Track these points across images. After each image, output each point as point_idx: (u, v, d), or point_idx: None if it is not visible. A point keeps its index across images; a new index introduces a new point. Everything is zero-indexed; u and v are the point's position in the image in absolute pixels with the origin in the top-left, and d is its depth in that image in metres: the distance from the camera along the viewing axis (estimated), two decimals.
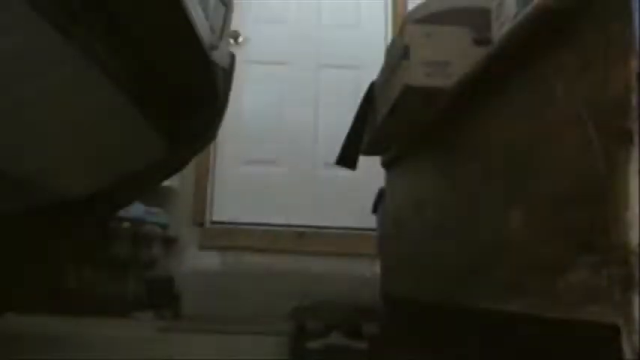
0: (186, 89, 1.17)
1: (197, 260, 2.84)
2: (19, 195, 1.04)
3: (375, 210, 2.19)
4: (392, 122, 1.43)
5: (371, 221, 2.27)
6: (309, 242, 2.87)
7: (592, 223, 0.63)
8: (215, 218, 3.01)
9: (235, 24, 2.28)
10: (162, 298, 2.61)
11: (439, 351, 1.34)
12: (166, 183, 2.40)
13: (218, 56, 1.15)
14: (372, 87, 1.63)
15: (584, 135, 0.66)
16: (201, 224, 2.93)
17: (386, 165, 1.87)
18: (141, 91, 1.04)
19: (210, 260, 2.83)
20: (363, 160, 1.85)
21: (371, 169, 2.42)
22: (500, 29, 1.01)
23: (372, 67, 1.92)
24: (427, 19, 1.38)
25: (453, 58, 1.19)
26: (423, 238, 1.40)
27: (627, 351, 0.54)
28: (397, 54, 1.29)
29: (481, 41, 1.17)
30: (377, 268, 2.06)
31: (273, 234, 2.95)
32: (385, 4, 3.32)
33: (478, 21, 1.20)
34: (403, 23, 1.46)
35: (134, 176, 1.25)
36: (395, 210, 1.78)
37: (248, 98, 3.14)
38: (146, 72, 1.05)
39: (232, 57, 1.36)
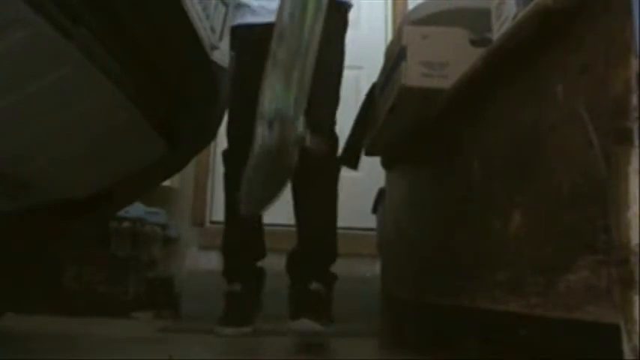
0: (187, 89, 1.17)
1: (197, 260, 2.84)
2: (19, 195, 1.04)
3: (375, 210, 2.19)
4: (391, 122, 1.43)
5: (371, 221, 2.27)
6: None
7: (592, 223, 0.63)
8: (215, 218, 3.01)
9: None
10: (162, 298, 2.61)
11: (439, 351, 1.34)
12: (166, 183, 2.40)
13: (219, 56, 1.15)
14: (373, 88, 1.63)
15: (584, 135, 0.66)
16: (201, 224, 2.93)
17: (386, 165, 1.87)
18: (141, 90, 1.04)
19: (210, 260, 2.83)
20: (363, 160, 1.85)
21: (371, 169, 2.43)
22: (500, 29, 1.01)
23: (372, 67, 1.93)
24: (425, 20, 1.39)
25: (451, 59, 1.19)
26: (422, 238, 1.40)
27: (627, 351, 0.54)
28: (395, 55, 1.30)
29: (479, 42, 1.18)
30: (377, 268, 2.06)
31: (273, 234, 2.94)
32: (385, 4, 3.32)
33: (476, 22, 1.20)
34: (401, 25, 1.46)
35: (134, 176, 1.25)
36: (395, 210, 1.78)
37: None
38: (146, 72, 1.05)
39: (232, 57, 1.36)
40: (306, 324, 1.58)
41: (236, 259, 2.03)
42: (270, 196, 1.17)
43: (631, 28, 0.58)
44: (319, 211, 1.90)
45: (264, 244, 2.09)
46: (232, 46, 1.48)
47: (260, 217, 1.96)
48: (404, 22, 1.49)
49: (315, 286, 1.78)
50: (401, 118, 1.39)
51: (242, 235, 2.00)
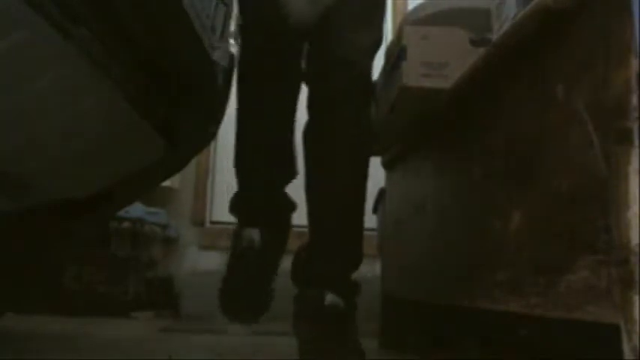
0: (187, 89, 1.17)
1: (197, 260, 2.84)
2: (19, 195, 1.04)
3: (375, 210, 2.19)
4: (392, 122, 1.43)
5: (371, 221, 2.27)
6: None
7: (592, 223, 0.63)
8: (215, 218, 3.01)
9: None
10: (162, 298, 2.62)
11: (439, 351, 1.34)
12: (166, 183, 2.40)
13: (219, 56, 1.15)
14: (374, 86, 1.63)
15: (584, 135, 0.66)
16: (202, 224, 2.93)
17: (386, 165, 1.87)
18: (141, 90, 1.04)
19: (210, 260, 2.83)
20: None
21: (371, 169, 2.43)
22: (500, 29, 1.01)
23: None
24: (424, 20, 1.39)
25: (451, 59, 1.19)
26: (423, 238, 1.40)
27: (627, 351, 0.54)
28: (395, 55, 1.30)
29: (479, 42, 1.18)
30: (377, 268, 2.06)
31: None
32: None
33: (476, 22, 1.21)
34: (401, 25, 1.46)
35: (134, 176, 1.25)
36: (395, 210, 1.78)
37: None
38: (146, 72, 1.05)
39: (232, 57, 1.36)
40: None
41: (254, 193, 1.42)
42: None
43: (631, 28, 0.58)
44: (341, 177, 1.31)
45: (295, 160, 1.43)
46: None
47: (292, 129, 1.43)
48: (404, 22, 1.49)
49: (330, 299, 1.23)
50: (401, 118, 1.38)
51: (264, 153, 1.38)
